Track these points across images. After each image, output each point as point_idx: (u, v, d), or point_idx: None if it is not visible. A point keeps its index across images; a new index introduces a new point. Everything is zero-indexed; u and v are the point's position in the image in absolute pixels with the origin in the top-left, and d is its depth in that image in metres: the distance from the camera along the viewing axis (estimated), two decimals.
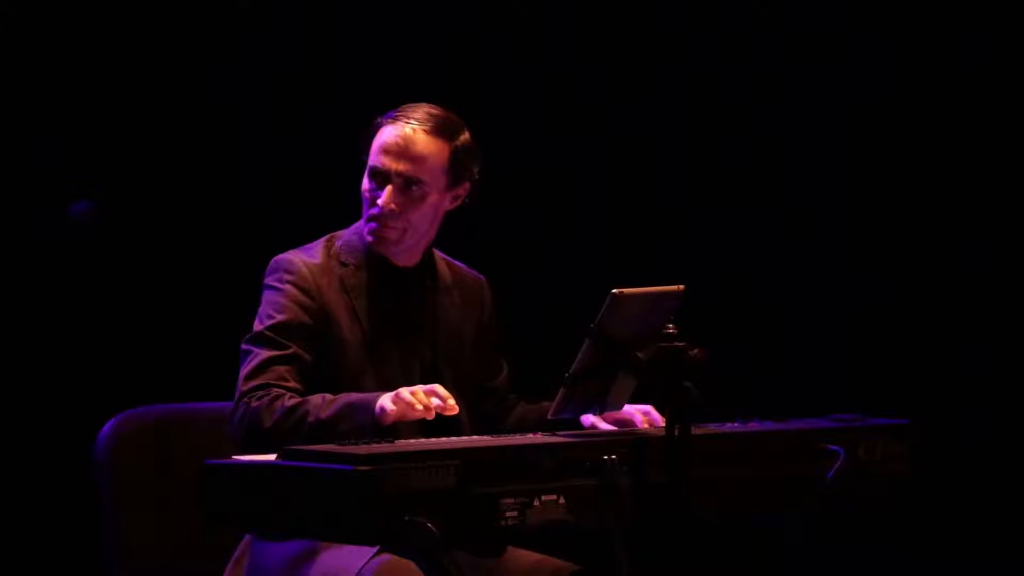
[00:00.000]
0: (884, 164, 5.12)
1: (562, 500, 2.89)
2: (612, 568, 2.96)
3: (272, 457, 2.96)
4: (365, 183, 3.51)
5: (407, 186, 3.47)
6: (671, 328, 3.01)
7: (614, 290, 3.05)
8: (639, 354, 3.06)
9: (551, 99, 5.16)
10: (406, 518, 2.71)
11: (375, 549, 3.18)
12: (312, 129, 4.99)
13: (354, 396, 3.29)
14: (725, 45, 5.16)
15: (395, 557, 3.15)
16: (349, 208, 3.66)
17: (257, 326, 3.44)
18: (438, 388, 3.21)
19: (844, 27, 5.10)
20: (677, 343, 2.99)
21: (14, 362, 4.76)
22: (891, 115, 5.09)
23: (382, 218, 3.48)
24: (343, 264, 3.52)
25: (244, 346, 3.43)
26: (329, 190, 4.94)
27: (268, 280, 3.50)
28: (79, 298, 4.81)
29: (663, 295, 3.12)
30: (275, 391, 3.33)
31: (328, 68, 5.02)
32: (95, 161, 4.83)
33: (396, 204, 3.47)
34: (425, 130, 3.48)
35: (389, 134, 3.48)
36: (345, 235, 3.58)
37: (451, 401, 3.19)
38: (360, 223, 3.56)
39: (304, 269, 3.48)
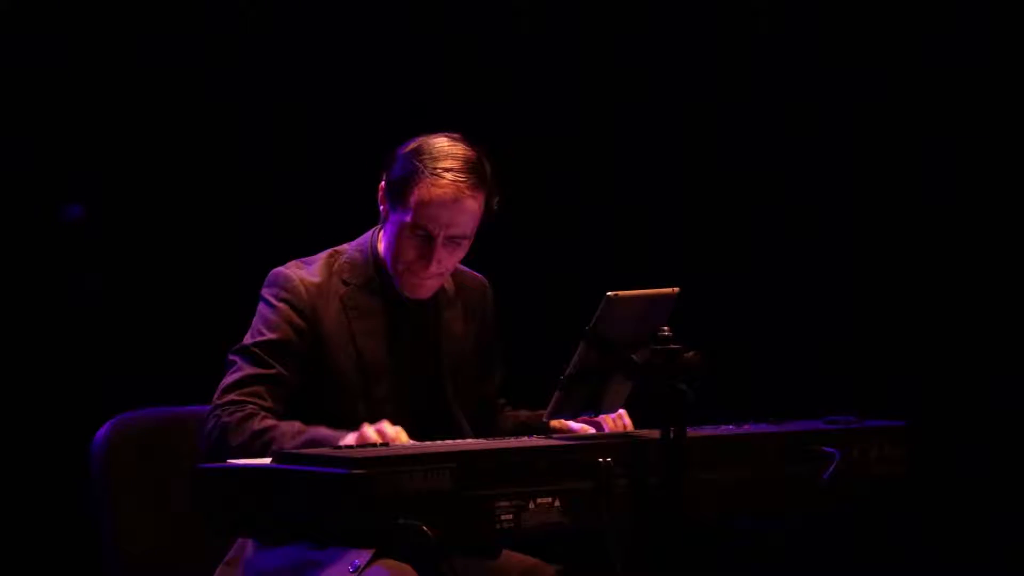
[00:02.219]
0: (883, 164, 5.12)
1: (557, 503, 2.89)
2: (607, 571, 2.96)
3: (267, 460, 2.96)
4: (401, 231, 3.42)
5: (452, 240, 3.44)
6: (666, 330, 3.01)
7: (609, 292, 3.05)
8: (634, 356, 3.06)
9: (547, 100, 5.17)
10: (401, 521, 2.70)
11: (367, 560, 3.18)
12: (309, 135, 5.00)
13: (320, 432, 3.24)
14: (725, 45, 5.17)
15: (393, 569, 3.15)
16: (346, 214, 3.65)
17: (247, 339, 3.42)
18: (386, 428, 3.15)
19: (844, 27, 5.10)
20: (672, 345, 2.99)
21: (11, 365, 4.76)
22: (891, 115, 5.09)
23: (430, 275, 3.46)
24: (345, 283, 3.49)
25: (230, 356, 3.41)
26: (325, 196, 4.96)
27: (264, 293, 3.47)
28: (75, 301, 4.81)
29: (658, 297, 3.12)
30: (249, 408, 3.30)
31: (326, 74, 5.03)
32: (91, 165, 4.83)
33: (444, 259, 3.45)
34: (468, 186, 3.39)
35: (436, 195, 3.38)
36: (348, 251, 3.54)
37: (402, 438, 3.16)
38: (365, 240, 3.54)
39: (301, 287, 3.44)
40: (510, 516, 2.83)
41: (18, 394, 4.76)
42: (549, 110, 5.16)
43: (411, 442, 3.17)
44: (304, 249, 3.58)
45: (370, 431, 3.14)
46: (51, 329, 4.80)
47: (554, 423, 3.38)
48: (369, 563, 3.18)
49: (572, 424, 3.41)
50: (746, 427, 3.34)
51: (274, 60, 5.00)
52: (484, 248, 3.64)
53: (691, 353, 2.98)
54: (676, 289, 3.14)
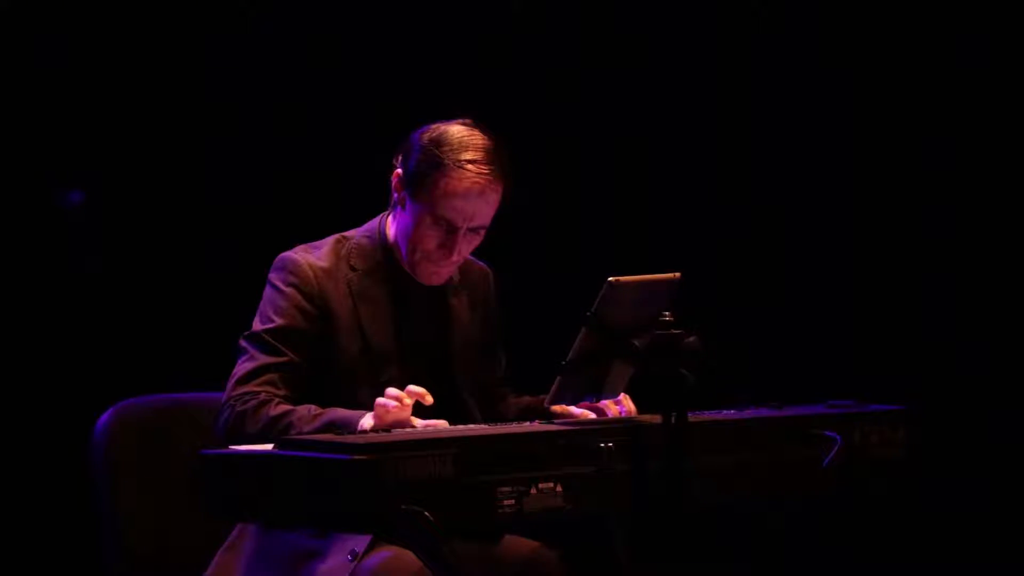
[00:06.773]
0: (884, 156, 5.12)
1: (559, 488, 2.90)
2: (609, 555, 2.97)
3: (270, 447, 2.96)
4: (421, 221, 3.42)
5: (473, 231, 3.44)
6: (667, 316, 3.01)
7: (611, 278, 3.05)
8: (635, 342, 3.06)
9: (550, 91, 5.17)
10: (403, 507, 2.71)
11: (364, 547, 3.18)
12: (308, 124, 5.00)
13: (339, 413, 3.26)
14: (725, 41, 5.16)
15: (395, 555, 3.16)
16: (345, 203, 3.64)
17: (256, 325, 3.42)
18: (411, 387, 3.19)
19: (844, 27, 5.10)
20: (673, 330, 2.99)
21: (10, 354, 4.76)
22: (891, 113, 5.09)
23: (449, 263, 3.46)
24: (352, 268, 3.49)
25: (242, 343, 3.42)
26: (326, 185, 4.95)
27: (271, 278, 3.47)
28: (74, 289, 4.81)
29: (659, 283, 3.12)
30: (264, 395, 3.32)
31: (326, 63, 5.03)
32: (91, 153, 4.83)
33: (463, 249, 3.46)
34: (491, 178, 3.39)
35: (462, 188, 3.38)
36: (356, 237, 3.54)
37: (406, 401, 3.18)
38: (372, 225, 3.54)
39: (309, 272, 3.44)
40: (512, 501, 2.84)
41: (19, 382, 4.76)
42: (548, 95, 5.15)
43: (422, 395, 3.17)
44: (303, 237, 3.57)
45: (386, 404, 3.15)
46: (52, 316, 4.80)
47: (555, 408, 3.38)
48: (369, 549, 3.19)
49: (573, 409, 3.41)
50: (747, 412, 3.34)
51: (272, 51, 5.00)
52: (487, 233, 3.63)
53: (692, 338, 2.99)
54: (677, 274, 3.14)
